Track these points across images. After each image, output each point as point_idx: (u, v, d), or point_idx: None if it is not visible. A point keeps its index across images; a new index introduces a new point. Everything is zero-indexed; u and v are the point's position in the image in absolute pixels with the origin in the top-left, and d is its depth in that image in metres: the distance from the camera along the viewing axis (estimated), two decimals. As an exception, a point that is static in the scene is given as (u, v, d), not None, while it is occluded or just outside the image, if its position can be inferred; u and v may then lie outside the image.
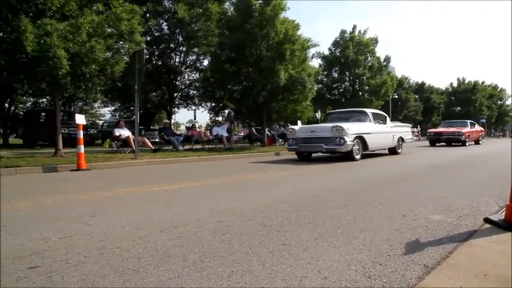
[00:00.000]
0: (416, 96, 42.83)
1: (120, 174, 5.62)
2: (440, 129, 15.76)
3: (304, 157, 8.00)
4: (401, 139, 9.31)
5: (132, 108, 20.46)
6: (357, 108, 10.82)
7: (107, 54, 7.59)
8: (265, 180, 4.62)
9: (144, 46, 8.70)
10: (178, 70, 18.71)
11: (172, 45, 18.39)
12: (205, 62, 20.50)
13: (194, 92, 21.20)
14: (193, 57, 20.05)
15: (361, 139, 7.40)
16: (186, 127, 15.84)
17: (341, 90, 21.48)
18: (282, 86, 11.92)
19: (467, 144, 14.16)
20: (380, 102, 21.13)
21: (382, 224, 2.26)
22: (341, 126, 7.02)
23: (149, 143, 9.71)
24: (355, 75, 20.53)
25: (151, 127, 19.50)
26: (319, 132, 7.34)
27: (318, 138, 7.24)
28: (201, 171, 6.11)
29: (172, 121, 34.51)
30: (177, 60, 19.25)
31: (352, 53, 20.22)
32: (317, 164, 7.01)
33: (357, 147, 7.29)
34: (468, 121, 16.51)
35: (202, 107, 22.02)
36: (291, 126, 8.19)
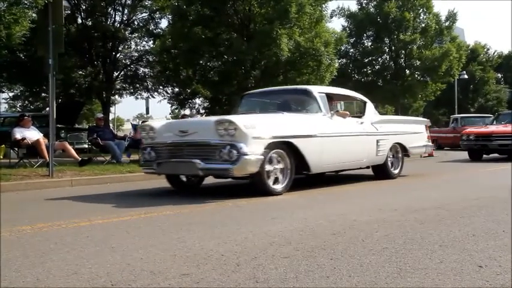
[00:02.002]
0: (500, 76, 43.44)
1: (18, 208, 5.57)
2: (488, 128, 13.56)
3: (181, 184, 6.51)
4: (400, 148, 7.92)
5: (44, 95, 20.37)
6: (300, 86, 8.30)
7: (-1, 5, 7.53)
8: (259, 209, 4.63)
9: (65, -5, 8.70)
10: (120, 35, 18.69)
11: (110, -4, 18.41)
12: (163, 23, 20.50)
13: (146, 70, 21.18)
14: (144, 14, 20.08)
15: (289, 149, 5.74)
16: (133, 126, 15.59)
17: (377, 67, 21.79)
18: (285, 62, 12.06)
19: None
20: (440, 85, 21.45)
21: (445, 281, 2.27)
22: (232, 122, 5.25)
23: (73, 151, 9.66)
24: (400, 43, 20.76)
25: (77, 126, 19.32)
26: (194, 132, 5.63)
27: (190, 146, 5.56)
28: (157, 194, 6.08)
29: (111, 116, 34.43)
30: (118, 19, 19.26)
31: (394, 8, 20.46)
32: (337, 178, 7.07)
33: (279, 166, 5.66)
34: None
35: (159, 93, 21.95)
36: (147, 123, 6.42)
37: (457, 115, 21.94)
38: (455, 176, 8.57)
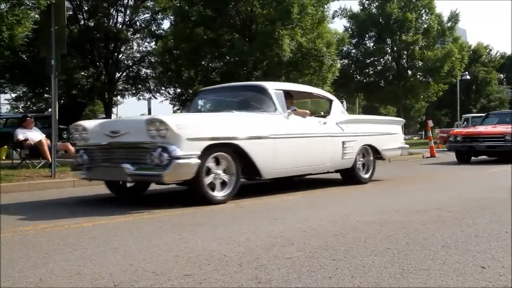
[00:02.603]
0: (502, 76, 43.33)
1: (21, 209, 5.57)
2: (477, 129, 12.95)
3: (121, 190, 5.86)
4: (371, 151, 7.24)
5: (46, 96, 20.39)
6: (254, 83, 7.93)
7: (1, 6, 7.55)
8: (261, 210, 4.63)
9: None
10: (122, 36, 18.71)
11: (112, -3, 18.42)
12: (166, 24, 20.50)
13: (148, 71, 21.21)
14: (146, 15, 20.11)
15: (234, 151, 5.14)
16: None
17: (379, 68, 21.76)
18: (287, 62, 12.06)
19: None
20: (442, 86, 21.41)
21: (448, 282, 2.27)
22: (163, 121, 4.69)
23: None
24: (402, 43, 20.74)
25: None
26: (126, 132, 5.06)
27: (121, 149, 5.05)
28: (160, 194, 6.08)
29: (114, 117, 34.47)
30: (120, 20, 19.29)
31: (397, 9, 20.44)
32: (341, 179, 7.07)
33: (221, 171, 5.08)
34: None
35: (161, 94, 21.99)
36: (79, 122, 5.72)
37: (468, 115, 21.78)
38: (452, 177, 8.54)
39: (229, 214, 4.44)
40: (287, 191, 6.08)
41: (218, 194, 5.06)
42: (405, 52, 21.06)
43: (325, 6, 13.45)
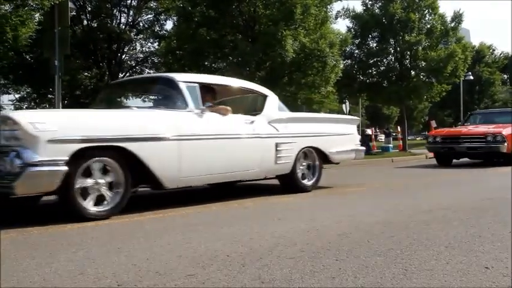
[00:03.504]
0: (506, 76, 43.21)
1: (26, 209, 5.61)
2: (457, 129, 12.41)
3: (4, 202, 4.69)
4: (316, 154, 6.32)
5: (50, 96, 20.44)
6: (163, 74, 7.19)
7: (5, 7, 7.58)
8: (264, 210, 4.63)
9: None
10: (126, 37, 18.76)
11: (115, -3, 18.48)
12: (169, 25, 20.53)
13: (151, 71, 21.22)
14: (149, 16, 20.14)
15: (122, 156, 4.33)
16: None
17: (382, 68, 21.69)
18: (290, 63, 12.06)
19: None
20: (445, 86, 21.35)
21: (451, 282, 2.27)
22: (13, 119, 3.91)
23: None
24: (405, 44, 20.69)
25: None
26: None
27: None
28: (163, 195, 6.10)
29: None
30: (123, 20, 19.32)
31: (400, 9, 20.41)
32: (345, 179, 7.07)
33: (104, 180, 4.23)
34: None
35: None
36: None
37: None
38: (462, 177, 8.51)
39: (233, 214, 4.45)
40: (290, 191, 6.08)
41: (99, 208, 4.18)
42: (408, 52, 20.96)
43: (328, 7, 13.44)
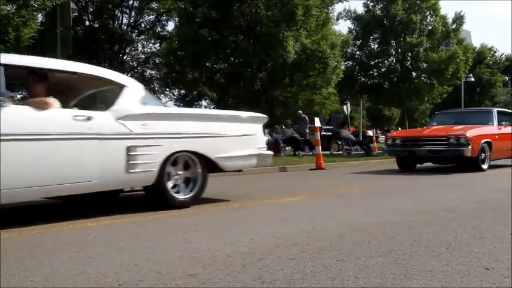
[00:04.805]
0: (507, 78, 43.16)
1: (32, 208, 5.62)
2: (418, 130, 11.71)
3: None
4: (199, 160, 5.01)
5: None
6: None
7: (7, 8, 7.60)
8: (265, 210, 4.63)
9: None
10: (127, 37, 18.82)
11: (117, -2, 18.52)
12: (170, 26, 20.54)
13: (152, 72, 21.27)
14: (151, 17, 20.18)
15: None
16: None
17: (383, 69, 21.72)
18: (291, 64, 12.07)
19: (484, 166, 9.52)
20: (446, 87, 21.37)
21: (452, 283, 2.27)
22: None
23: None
24: (406, 45, 20.71)
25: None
26: None
27: None
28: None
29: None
30: (125, 21, 19.37)
31: (401, 11, 20.40)
32: (346, 180, 7.06)
33: None
34: (495, 111, 11.09)
35: (165, 95, 22.11)
36: None
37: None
38: (462, 179, 8.50)
39: (234, 215, 4.45)
40: (291, 192, 6.08)
41: None
42: (409, 54, 20.99)
43: (330, 8, 13.49)
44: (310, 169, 10.89)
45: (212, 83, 14.34)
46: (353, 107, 28.19)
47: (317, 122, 11.57)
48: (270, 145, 14.90)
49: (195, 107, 20.44)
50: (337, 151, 19.92)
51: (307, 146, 16.57)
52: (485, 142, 9.56)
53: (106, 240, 3.31)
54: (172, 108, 6.17)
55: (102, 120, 4.35)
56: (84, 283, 2.29)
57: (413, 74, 21.28)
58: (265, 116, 6.03)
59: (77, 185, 4.18)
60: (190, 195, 4.94)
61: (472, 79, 28.38)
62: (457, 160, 9.62)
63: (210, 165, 5.09)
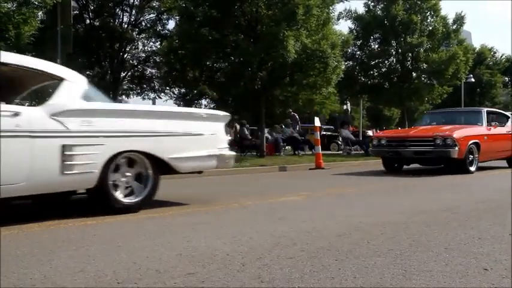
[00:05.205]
0: (507, 79, 43.13)
1: (30, 205, 5.63)
2: (405, 130, 11.34)
3: None
4: (149, 161, 4.58)
5: (53, 95, 20.53)
6: None
7: (7, 5, 7.59)
8: (265, 210, 4.63)
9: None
10: (128, 36, 18.83)
11: (117, -4, 18.53)
12: (171, 24, 20.56)
13: (153, 70, 21.28)
14: (152, 15, 20.19)
15: None
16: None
17: (384, 70, 21.69)
18: (292, 63, 12.05)
19: (472, 168, 9.17)
20: (446, 88, 21.35)
21: (450, 283, 2.27)
22: None
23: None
24: (407, 45, 20.69)
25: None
26: None
27: None
28: (158, 194, 6.11)
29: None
30: (126, 20, 19.37)
31: (402, 11, 20.40)
32: (346, 180, 7.07)
33: None
34: (484, 111, 10.69)
35: (165, 94, 22.13)
36: None
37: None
38: (461, 179, 8.49)
39: (233, 214, 4.45)
40: (290, 192, 6.08)
41: None
42: (410, 54, 20.94)
43: (331, 8, 13.42)
44: (310, 169, 10.89)
45: (212, 82, 14.32)
46: (353, 106, 28.06)
47: (317, 122, 11.57)
48: (269, 145, 14.97)
49: (195, 106, 20.42)
50: (337, 151, 19.97)
51: (307, 146, 16.61)
52: (473, 143, 9.22)
53: (105, 238, 3.31)
54: (119, 105, 5.43)
55: (32, 116, 3.96)
56: (83, 281, 2.29)
57: (414, 74, 21.23)
58: (227, 113, 5.50)
59: (1, 188, 3.71)
60: (137, 199, 4.53)
61: (472, 80, 28.36)
62: (443, 162, 9.32)
63: (162, 167, 4.67)
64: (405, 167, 10.07)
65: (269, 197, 5.65)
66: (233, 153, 5.48)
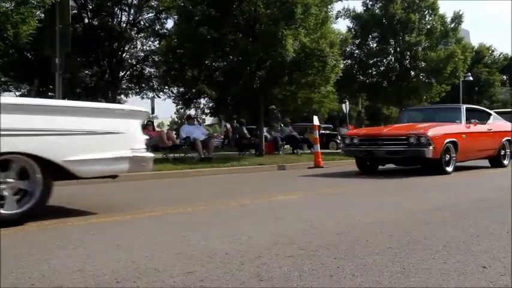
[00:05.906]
0: (505, 77, 43.17)
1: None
2: (378, 128, 10.94)
3: None
4: (38, 164, 3.77)
5: (50, 94, 20.48)
6: None
7: (6, 5, 7.58)
8: (264, 209, 4.63)
9: (71, -5, 8.74)
10: (126, 35, 18.82)
11: (116, -5, 18.52)
12: (169, 24, 20.54)
13: (151, 70, 21.27)
14: (150, 15, 20.16)
15: None
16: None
17: (382, 68, 21.70)
18: (290, 62, 12.03)
19: (449, 169, 8.62)
20: (444, 87, 21.37)
21: (449, 281, 2.27)
22: None
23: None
24: (405, 44, 20.71)
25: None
26: None
27: None
28: (159, 193, 6.09)
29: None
30: (124, 19, 19.36)
31: (400, 10, 20.42)
32: (345, 179, 7.07)
33: None
34: (463, 107, 10.04)
35: (164, 93, 22.08)
36: None
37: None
38: (459, 177, 8.49)
39: (232, 213, 4.45)
40: (289, 190, 6.09)
41: None
42: (408, 53, 20.94)
43: (329, 7, 13.39)
44: (309, 167, 10.88)
45: (211, 81, 14.30)
46: (352, 105, 28.04)
47: (315, 121, 11.56)
48: (268, 143, 14.97)
49: (194, 105, 20.39)
50: (336, 149, 19.97)
51: (305, 144, 16.61)
52: (450, 142, 8.58)
53: (103, 237, 3.30)
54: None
55: None
56: (81, 280, 2.29)
57: (412, 73, 21.23)
58: (144, 110, 4.77)
59: None
60: (21, 209, 3.72)
61: (471, 78, 28.40)
62: (418, 162, 8.74)
63: (56, 171, 3.88)
64: (380, 167, 9.54)
65: (268, 195, 5.66)
66: (151, 155, 4.66)
